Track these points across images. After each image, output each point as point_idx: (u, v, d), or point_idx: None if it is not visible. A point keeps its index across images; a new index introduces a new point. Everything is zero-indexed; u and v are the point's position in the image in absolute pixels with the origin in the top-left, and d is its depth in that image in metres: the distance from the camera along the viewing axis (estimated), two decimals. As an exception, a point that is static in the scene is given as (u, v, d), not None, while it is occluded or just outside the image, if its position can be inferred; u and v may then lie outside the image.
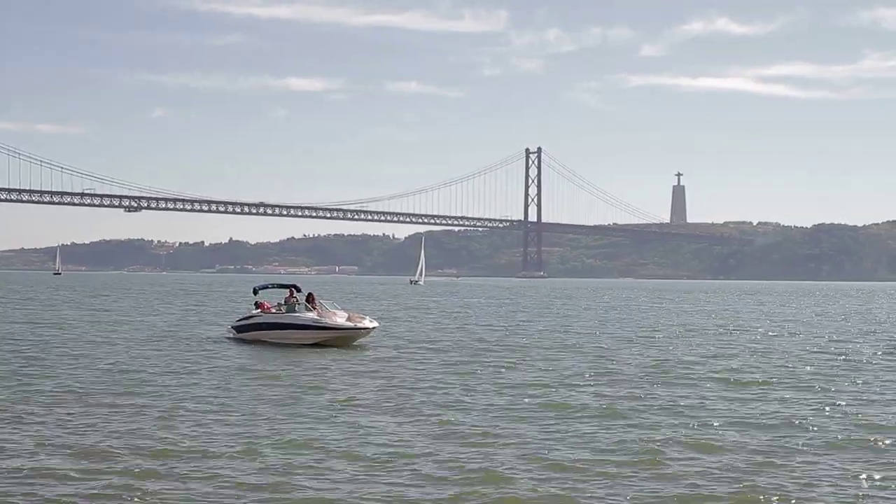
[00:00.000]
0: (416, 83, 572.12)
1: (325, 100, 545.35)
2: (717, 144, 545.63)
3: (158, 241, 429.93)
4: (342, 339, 36.10)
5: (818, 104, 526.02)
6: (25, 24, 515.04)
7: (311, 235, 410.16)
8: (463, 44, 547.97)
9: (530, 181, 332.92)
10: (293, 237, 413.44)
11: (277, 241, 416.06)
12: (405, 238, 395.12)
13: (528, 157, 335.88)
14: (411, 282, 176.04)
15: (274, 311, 38.76)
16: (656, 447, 16.82)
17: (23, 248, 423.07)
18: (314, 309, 37.38)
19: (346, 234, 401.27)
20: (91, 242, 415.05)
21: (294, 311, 37.69)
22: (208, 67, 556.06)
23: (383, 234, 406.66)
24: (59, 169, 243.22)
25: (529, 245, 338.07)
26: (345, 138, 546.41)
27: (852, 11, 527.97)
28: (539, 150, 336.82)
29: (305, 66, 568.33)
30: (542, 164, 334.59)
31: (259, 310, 39.22)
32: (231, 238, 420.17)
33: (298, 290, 40.03)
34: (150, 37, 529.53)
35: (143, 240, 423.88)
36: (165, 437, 17.40)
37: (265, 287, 42.85)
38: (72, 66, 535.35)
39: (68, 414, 19.94)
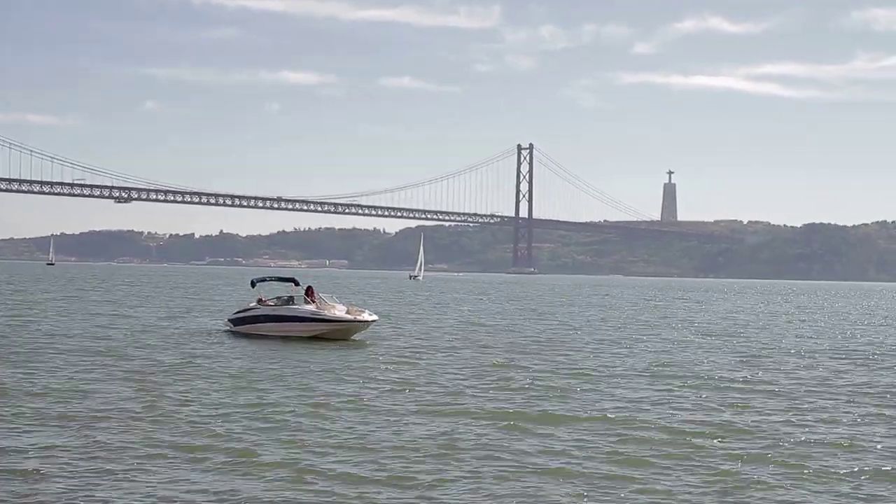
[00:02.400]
0: (409, 78, 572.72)
1: (318, 94, 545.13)
2: (709, 143, 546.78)
3: (149, 233, 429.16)
4: (341, 331, 35.71)
5: (810, 104, 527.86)
6: (19, 16, 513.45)
7: (301, 229, 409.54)
8: (457, 40, 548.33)
9: (522, 177, 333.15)
10: (284, 230, 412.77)
11: (268, 234, 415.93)
12: (396, 233, 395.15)
13: (519, 154, 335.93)
14: (410, 277, 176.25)
15: (272, 304, 38.49)
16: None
17: (12, 238, 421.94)
18: (313, 302, 37.15)
19: (336, 228, 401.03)
20: (81, 233, 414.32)
21: (291, 304, 37.47)
22: (201, 61, 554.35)
23: (374, 229, 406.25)
24: (50, 159, 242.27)
25: (520, 241, 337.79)
26: (338, 133, 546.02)
27: (845, 12, 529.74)
28: (531, 146, 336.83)
29: (299, 61, 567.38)
30: (533, 160, 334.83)
31: (258, 304, 38.86)
32: (222, 231, 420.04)
33: (297, 284, 39.81)
34: (144, 29, 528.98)
35: (133, 231, 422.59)
36: (162, 437, 17.24)
37: (263, 280, 42.53)
38: (64, 58, 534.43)
39: (69, 408, 19.84)
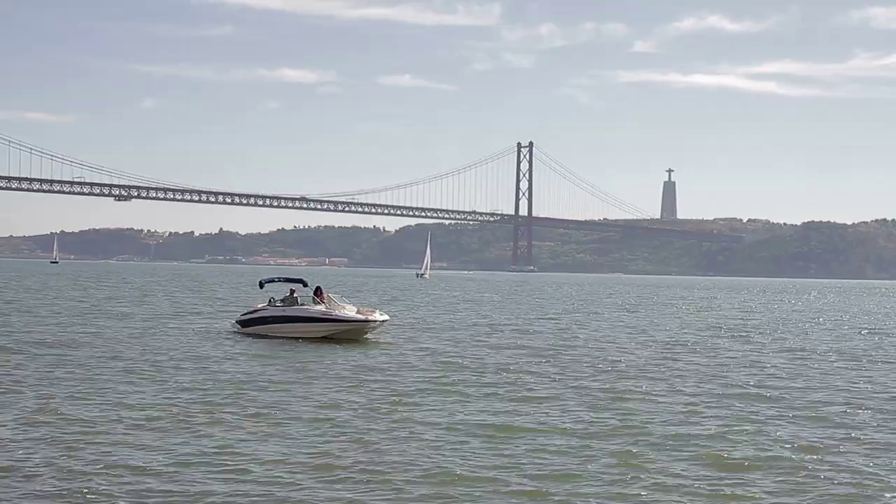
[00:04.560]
0: (408, 76, 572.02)
1: (317, 92, 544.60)
2: (708, 141, 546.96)
3: (148, 231, 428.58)
4: (352, 332, 35.25)
5: (808, 102, 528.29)
6: (17, 13, 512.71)
7: (301, 227, 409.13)
8: (455, 38, 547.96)
9: (521, 175, 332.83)
10: (283, 228, 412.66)
11: (267, 232, 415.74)
12: (396, 231, 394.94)
13: (519, 152, 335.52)
14: (417, 275, 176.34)
15: (279, 304, 37.99)
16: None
17: (11, 236, 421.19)
18: (322, 302, 36.75)
19: (336, 225, 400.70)
20: (80, 231, 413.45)
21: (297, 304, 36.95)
22: (200, 58, 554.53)
23: (374, 227, 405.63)
24: (50, 157, 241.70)
25: (520, 239, 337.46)
26: (336, 131, 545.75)
27: (843, 10, 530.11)
28: (531, 144, 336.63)
29: (298, 58, 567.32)
30: (533, 158, 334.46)
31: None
32: (221, 229, 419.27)
33: (305, 285, 39.33)
34: (143, 27, 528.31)
35: (132, 229, 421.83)
36: (176, 441, 17.09)
37: (271, 280, 41.96)
38: (63, 55, 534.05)
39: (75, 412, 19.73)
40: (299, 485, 14.03)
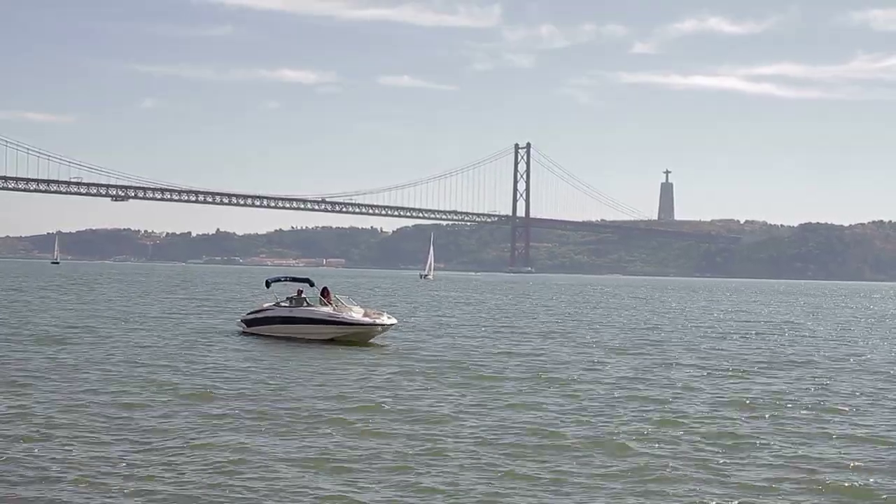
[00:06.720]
0: (408, 77, 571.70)
1: (316, 92, 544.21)
2: (706, 142, 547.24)
3: (145, 231, 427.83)
4: (359, 335, 34.66)
5: (808, 104, 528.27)
6: (17, 13, 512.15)
7: (298, 228, 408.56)
8: (455, 38, 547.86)
9: (519, 176, 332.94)
10: (281, 229, 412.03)
11: (265, 232, 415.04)
12: (393, 231, 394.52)
13: (517, 153, 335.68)
14: (421, 276, 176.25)
15: (285, 305, 37.66)
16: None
17: (8, 237, 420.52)
18: (329, 304, 36.28)
19: (333, 226, 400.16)
20: (78, 231, 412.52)
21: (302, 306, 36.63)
22: (199, 58, 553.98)
23: (371, 227, 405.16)
24: (47, 157, 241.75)
25: (517, 240, 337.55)
26: (336, 131, 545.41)
27: (843, 12, 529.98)
28: (528, 145, 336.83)
29: (297, 59, 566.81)
30: (531, 159, 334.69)
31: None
32: (218, 229, 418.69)
33: (312, 285, 38.95)
34: (143, 27, 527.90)
35: (129, 230, 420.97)
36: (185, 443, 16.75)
37: (278, 280, 41.65)
38: (63, 55, 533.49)
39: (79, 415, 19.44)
40: (298, 488, 13.75)
